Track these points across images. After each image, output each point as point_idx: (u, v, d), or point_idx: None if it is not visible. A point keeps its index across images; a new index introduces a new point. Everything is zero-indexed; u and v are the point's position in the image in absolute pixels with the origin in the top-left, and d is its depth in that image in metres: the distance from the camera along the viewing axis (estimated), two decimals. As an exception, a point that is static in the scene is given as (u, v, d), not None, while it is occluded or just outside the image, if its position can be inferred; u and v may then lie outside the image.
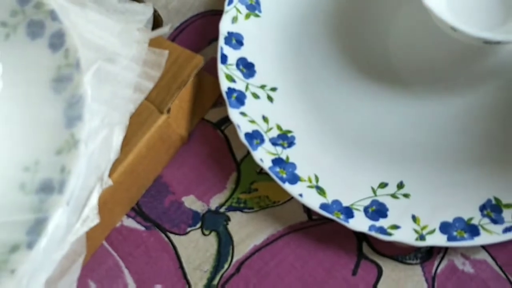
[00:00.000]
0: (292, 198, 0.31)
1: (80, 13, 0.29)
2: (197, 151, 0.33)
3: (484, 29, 0.33)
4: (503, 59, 0.33)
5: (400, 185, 0.30)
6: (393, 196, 0.30)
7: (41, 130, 0.27)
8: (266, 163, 0.30)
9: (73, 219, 0.24)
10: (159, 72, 0.29)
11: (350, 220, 0.28)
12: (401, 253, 0.29)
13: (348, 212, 0.29)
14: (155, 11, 0.33)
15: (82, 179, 0.25)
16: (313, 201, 0.29)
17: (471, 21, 0.33)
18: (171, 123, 0.30)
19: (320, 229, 0.31)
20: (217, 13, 0.37)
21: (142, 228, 0.32)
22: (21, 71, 0.28)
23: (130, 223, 0.32)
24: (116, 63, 0.28)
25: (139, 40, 0.29)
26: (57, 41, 0.28)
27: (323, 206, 0.29)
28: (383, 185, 0.30)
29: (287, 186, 0.29)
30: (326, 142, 0.32)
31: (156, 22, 0.33)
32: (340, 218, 0.28)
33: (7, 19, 0.30)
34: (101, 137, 0.26)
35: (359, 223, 0.28)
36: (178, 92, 0.29)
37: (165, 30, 0.30)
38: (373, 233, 0.28)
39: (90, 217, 0.24)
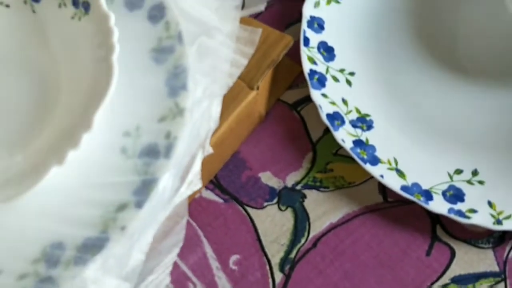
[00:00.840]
0: (367, 179, 0.32)
1: (179, -12, 0.30)
2: (273, 130, 0.34)
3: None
4: None
5: (475, 173, 0.31)
6: (469, 182, 0.31)
7: (141, 98, 0.28)
8: (347, 144, 0.31)
9: (176, 182, 0.25)
10: (253, 49, 0.30)
11: (430, 203, 0.29)
12: (473, 237, 0.31)
13: (428, 195, 0.30)
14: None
15: (185, 145, 0.26)
16: (394, 182, 0.30)
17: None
18: (258, 99, 0.31)
19: (395, 211, 0.32)
20: (294, -1, 0.38)
21: (221, 201, 0.33)
22: (120, 40, 0.29)
23: (208, 195, 0.33)
24: (214, 38, 0.28)
25: (233, 17, 0.30)
26: (157, 13, 0.29)
27: (404, 188, 0.30)
28: (458, 171, 0.31)
29: (368, 167, 0.30)
30: (403, 127, 0.33)
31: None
32: (420, 200, 0.30)
33: (104, -10, 0.31)
34: (203, 107, 0.27)
35: (439, 205, 0.29)
36: (268, 70, 0.30)
37: (261, 8, 0.31)
38: (452, 216, 0.29)
39: (194, 181, 0.25)
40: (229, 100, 0.30)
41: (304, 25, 0.34)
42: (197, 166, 0.26)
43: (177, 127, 0.26)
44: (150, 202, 0.24)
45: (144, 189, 0.25)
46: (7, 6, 0.30)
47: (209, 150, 0.27)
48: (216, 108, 0.27)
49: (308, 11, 0.34)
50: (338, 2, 0.35)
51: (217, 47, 0.29)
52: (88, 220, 0.25)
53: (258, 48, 0.31)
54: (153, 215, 0.25)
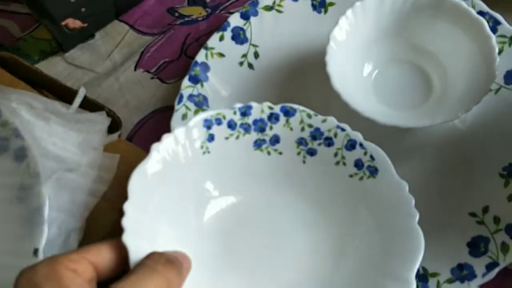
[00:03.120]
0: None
1: (45, 127, 0.32)
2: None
3: (406, 108, 0.36)
4: (426, 135, 0.37)
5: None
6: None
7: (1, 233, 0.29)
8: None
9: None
10: (112, 175, 0.32)
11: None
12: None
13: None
14: (114, 114, 0.36)
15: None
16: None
17: (394, 100, 0.37)
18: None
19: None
20: (172, 108, 0.39)
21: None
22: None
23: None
24: (74, 172, 0.31)
25: (96, 146, 0.32)
26: (20, 154, 0.31)
27: None
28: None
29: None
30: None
31: (116, 124, 0.36)
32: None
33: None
34: (58, 243, 0.28)
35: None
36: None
37: (115, 137, 0.33)
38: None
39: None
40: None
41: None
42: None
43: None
44: None
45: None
46: (280, 153, 0.30)
47: None
48: (73, 242, 0.29)
49: (176, 124, 0.37)
50: (206, 111, 0.38)
51: (75, 179, 0.31)
52: None
53: (124, 170, 0.33)
54: None
